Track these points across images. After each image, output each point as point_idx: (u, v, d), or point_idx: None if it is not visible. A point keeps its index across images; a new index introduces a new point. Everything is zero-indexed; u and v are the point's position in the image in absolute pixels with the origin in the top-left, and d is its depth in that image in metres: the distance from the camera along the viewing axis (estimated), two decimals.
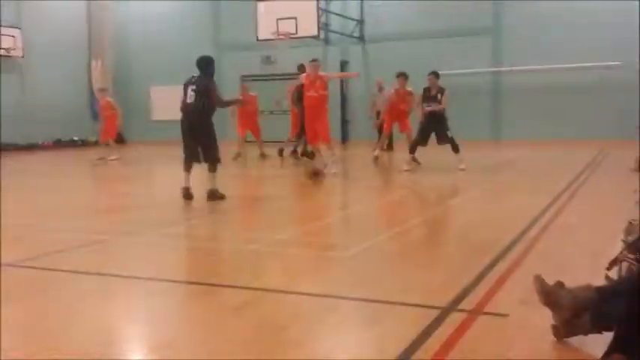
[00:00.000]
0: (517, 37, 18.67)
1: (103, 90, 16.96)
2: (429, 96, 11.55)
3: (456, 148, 11.40)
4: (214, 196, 8.05)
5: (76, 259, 5.22)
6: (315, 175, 10.31)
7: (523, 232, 5.70)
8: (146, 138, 22.72)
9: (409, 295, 3.95)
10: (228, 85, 22.13)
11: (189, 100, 8.05)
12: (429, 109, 11.44)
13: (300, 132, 13.41)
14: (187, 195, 8.09)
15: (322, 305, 3.86)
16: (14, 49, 20.40)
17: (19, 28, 20.62)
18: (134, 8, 23.77)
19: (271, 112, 17.55)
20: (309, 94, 11.16)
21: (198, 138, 8.13)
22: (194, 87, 8.07)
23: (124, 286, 4.42)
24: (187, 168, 8.22)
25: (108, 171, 13.76)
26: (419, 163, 12.06)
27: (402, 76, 12.82)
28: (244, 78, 18.47)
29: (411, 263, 4.92)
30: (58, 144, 21.84)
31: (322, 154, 11.43)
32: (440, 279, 4.37)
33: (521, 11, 18.64)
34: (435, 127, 11.51)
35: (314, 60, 11.65)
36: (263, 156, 14.91)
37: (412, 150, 11.78)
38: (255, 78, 20.15)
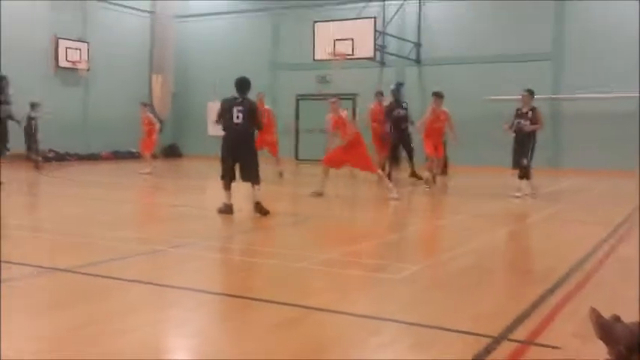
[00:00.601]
0: (577, 63, 18.29)
1: (145, 105, 17.33)
2: (520, 113, 11.54)
3: (526, 175, 11.14)
4: (261, 208, 8.14)
5: (127, 268, 5.32)
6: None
7: (580, 263, 5.52)
8: (201, 152, 23.14)
9: (459, 321, 3.86)
10: (283, 105, 22.50)
11: (236, 121, 8.18)
12: (519, 126, 11.36)
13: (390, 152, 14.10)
14: (229, 210, 8.20)
15: (367, 327, 3.80)
16: (80, 62, 21.17)
17: (86, 42, 21.41)
18: (195, 25, 24.39)
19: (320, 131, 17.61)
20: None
21: (240, 157, 8.26)
22: (240, 108, 8.22)
23: (173, 296, 4.48)
24: (227, 187, 8.33)
25: (157, 183, 14.05)
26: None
27: (437, 95, 12.82)
28: (299, 96, 18.59)
29: (461, 289, 4.82)
30: (117, 155, 22.46)
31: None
32: (491, 306, 4.26)
33: (582, 36, 18.27)
34: (516, 146, 11.37)
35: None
36: (281, 175, 14.59)
37: (522, 174, 11.19)
38: (310, 97, 20.31)
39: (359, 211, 10.49)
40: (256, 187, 8.22)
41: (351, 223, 9.02)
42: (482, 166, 18.68)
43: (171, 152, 24.53)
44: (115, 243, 6.32)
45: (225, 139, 8.31)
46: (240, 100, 8.32)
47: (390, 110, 14.24)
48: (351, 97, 20.80)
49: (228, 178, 8.30)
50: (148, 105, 17.67)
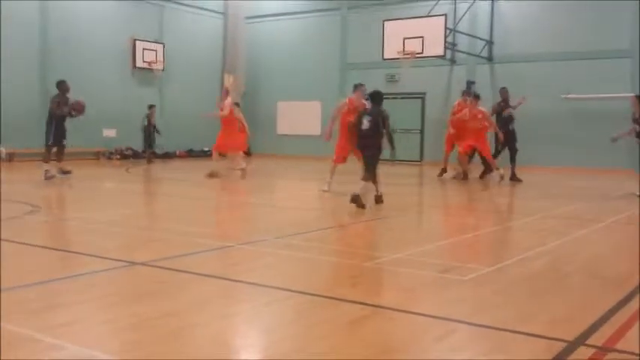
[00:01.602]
0: None
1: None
2: (635, 118, 11.81)
3: None
4: (357, 200, 8.76)
5: (202, 263, 5.48)
6: None
7: None
8: (268, 151, 23.49)
9: (532, 324, 3.79)
10: None
11: (363, 127, 9.14)
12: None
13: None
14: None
15: (438, 328, 3.79)
16: (155, 62, 21.88)
17: (162, 44, 22.11)
18: (266, 25, 24.77)
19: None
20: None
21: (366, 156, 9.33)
22: (369, 117, 9.16)
23: (245, 292, 4.59)
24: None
25: (232, 181, 14.34)
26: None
27: (466, 94, 14.17)
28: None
29: (533, 292, 4.72)
30: (191, 153, 23.07)
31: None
32: (565, 311, 4.16)
33: None
34: None
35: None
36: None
37: None
38: None
39: (430, 211, 10.41)
40: (363, 182, 9.01)
41: (418, 223, 8.97)
42: (559, 167, 18.17)
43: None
44: (192, 239, 6.52)
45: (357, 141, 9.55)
46: (370, 110, 9.34)
47: (500, 110, 14.38)
48: (421, 96, 20.64)
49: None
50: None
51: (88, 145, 19.87)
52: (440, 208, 10.64)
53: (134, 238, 6.86)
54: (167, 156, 21.99)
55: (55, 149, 13.02)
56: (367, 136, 9.14)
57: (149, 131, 19.09)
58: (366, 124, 9.12)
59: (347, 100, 11.11)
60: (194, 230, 7.13)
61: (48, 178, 12.47)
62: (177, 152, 22.66)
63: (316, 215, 8.21)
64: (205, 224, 8.01)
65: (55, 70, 18.90)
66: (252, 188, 13.23)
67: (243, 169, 14.06)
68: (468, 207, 10.90)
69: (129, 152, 20.90)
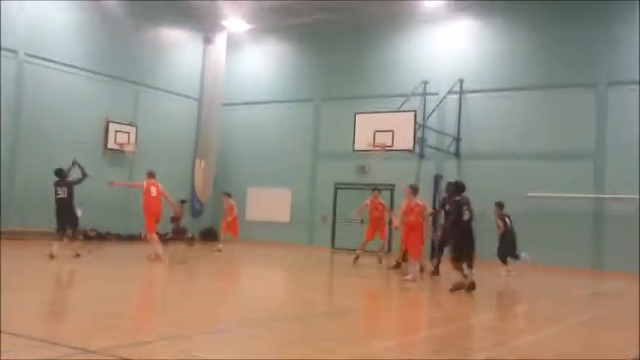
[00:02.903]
0: (620, 164, 18.13)
1: (229, 195, 19.13)
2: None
3: None
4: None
5: (160, 352, 5.28)
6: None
7: None
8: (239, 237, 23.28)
9: None
10: (322, 192, 22.73)
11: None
12: None
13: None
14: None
15: None
16: (128, 144, 21.90)
17: (135, 126, 22.23)
18: (240, 112, 25.18)
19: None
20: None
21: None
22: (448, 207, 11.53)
23: None
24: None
25: (211, 266, 14.10)
26: None
27: (410, 188, 13.57)
28: (338, 184, 18.70)
29: None
30: (160, 237, 22.68)
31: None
32: None
33: (626, 137, 18.18)
34: None
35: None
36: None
37: None
38: (349, 187, 20.49)
39: (392, 302, 10.30)
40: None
41: (384, 314, 8.84)
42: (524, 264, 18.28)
43: (209, 235, 24.73)
44: (149, 325, 6.30)
45: None
46: (445, 200, 12.14)
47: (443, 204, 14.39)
48: (390, 188, 20.92)
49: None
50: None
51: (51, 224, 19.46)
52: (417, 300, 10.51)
53: (87, 323, 6.60)
54: (131, 238, 21.62)
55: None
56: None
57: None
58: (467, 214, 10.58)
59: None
60: (149, 317, 6.90)
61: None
62: (143, 235, 22.26)
63: (278, 305, 8.03)
64: (162, 310, 7.77)
65: (25, 147, 18.79)
66: (221, 273, 13.00)
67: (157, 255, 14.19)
68: (434, 296, 10.80)
69: (93, 233, 20.52)
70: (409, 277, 12.12)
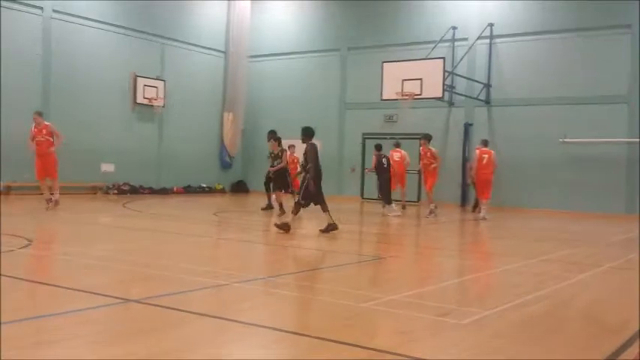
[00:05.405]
0: None
1: (292, 146, 16.96)
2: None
3: None
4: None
5: (197, 301, 5.41)
6: None
7: None
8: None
9: None
10: (350, 143, 22.68)
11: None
12: None
13: None
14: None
15: None
16: (156, 99, 22.02)
17: (163, 80, 22.29)
18: (267, 64, 25.02)
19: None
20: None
21: None
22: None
23: (239, 332, 4.51)
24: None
25: (231, 220, 14.26)
26: None
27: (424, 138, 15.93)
28: (365, 135, 18.61)
29: (529, 337, 4.66)
30: (188, 190, 23.06)
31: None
32: (565, 356, 4.09)
33: None
34: None
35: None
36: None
37: None
38: (377, 136, 20.37)
39: (424, 253, 10.36)
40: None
41: (416, 264, 8.91)
42: (556, 210, 18.17)
43: (239, 188, 25.00)
44: (187, 277, 6.45)
45: None
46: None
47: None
48: (418, 137, 20.75)
49: None
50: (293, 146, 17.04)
51: (86, 180, 19.87)
52: (436, 250, 10.58)
53: (127, 274, 6.78)
54: (164, 192, 21.98)
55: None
56: None
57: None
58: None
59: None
60: (189, 267, 7.06)
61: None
62: (175, 188, 22.64)
63: (311, 255, 8.15)
64: (198, 261, 7.93)
65: (56, 105, 19.02)
66: (249, 226, 13.17)
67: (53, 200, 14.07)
68: (465, 248, 10.84)
69: (126, 187, 20.88)
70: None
